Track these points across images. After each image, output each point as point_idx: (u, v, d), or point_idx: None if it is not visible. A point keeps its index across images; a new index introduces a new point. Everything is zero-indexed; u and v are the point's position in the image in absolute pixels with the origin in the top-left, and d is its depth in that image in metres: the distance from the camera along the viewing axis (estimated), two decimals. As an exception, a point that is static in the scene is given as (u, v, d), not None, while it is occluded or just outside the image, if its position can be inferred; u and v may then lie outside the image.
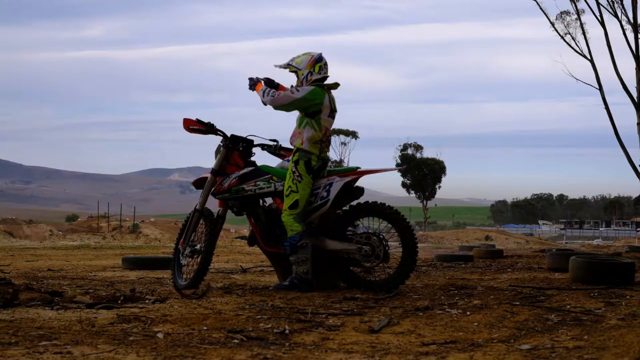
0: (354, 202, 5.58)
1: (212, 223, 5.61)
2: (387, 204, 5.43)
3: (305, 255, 5.21)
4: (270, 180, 5.47)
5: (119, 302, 4.47)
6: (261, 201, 5.69)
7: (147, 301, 4.59)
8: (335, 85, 5.49)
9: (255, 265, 9.39)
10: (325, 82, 5.42)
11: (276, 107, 5.30)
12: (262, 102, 5.32)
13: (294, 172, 5.27)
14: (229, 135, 5.66)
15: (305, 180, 5.26)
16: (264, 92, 5.32)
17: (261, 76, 5.57)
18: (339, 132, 66.64)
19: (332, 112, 5.41)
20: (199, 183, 5.83)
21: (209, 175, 5.75)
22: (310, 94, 5.25)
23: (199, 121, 5.60)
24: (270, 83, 5.57)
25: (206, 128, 5.60)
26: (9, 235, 28.16)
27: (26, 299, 4.34)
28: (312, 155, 5.28)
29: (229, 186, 5.54)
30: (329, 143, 5.49)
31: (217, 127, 5.64)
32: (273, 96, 5.26)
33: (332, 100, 5.41)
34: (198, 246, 5.60)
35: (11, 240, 24.83)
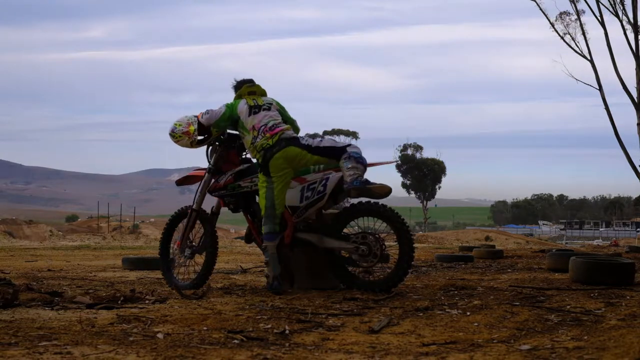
0: (352, 200, 5.58)
1: (210, 222, 5.65)
2: (382, 204, 5.39)
3: (266, 259, 5.29)
4: None
5: (119, 302, 4.47)
6: (257, 198, 5.71)
7: (147, 301, 4.60)
8: (252, 89, 5.53)
9: (255, 265, 9.39)
10: (239, 92, 5.56)
11: (211, 126, 5.52)
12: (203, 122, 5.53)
13: None
14: (226, 133, 5.72)
15: (259, 182, 5.31)
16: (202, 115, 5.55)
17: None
18: (339, 132, 66.67)
19: (255, 108, 5.41)
20: (181, 181, 5.99)
21: (195, 173, 5.83)
22: (226, 107, 5.47)
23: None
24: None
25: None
26: (9, 235, 28.14)
27: (26, 300, 4.34)
28: (255, 156, 5.37)
29: (225, 183, 5.57)
30: (267, 131, 5.33)
31: None
32: (208, 113, 5.51)
33: (249, 101, 5.44)
34: (196, 247, 5.64)
35: (11, 240, 24.82)
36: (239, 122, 5.41)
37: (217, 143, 5.69)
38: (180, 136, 5.56)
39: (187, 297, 4.81)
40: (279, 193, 5.21)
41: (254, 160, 5.52)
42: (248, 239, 5.85)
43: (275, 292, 5.14)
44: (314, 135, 5.96)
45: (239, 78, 5.70)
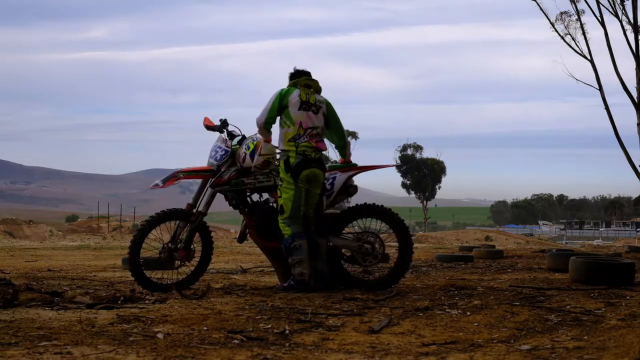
0: (351, 203, 5.73)
1: (200, 224, 5.62)
2: (382, 205, 5.58)
3: (300, 257, 5.24)
4: (270, 175, 5.55)
5: (119, 302, 4.47)
6: (258, 196, 5.73)
7: (147, 301, 4.60)
8: (310, 82, 5.51)
9: (255, 265, 9.39)
10: (296, 80, 5.51)
11: (266, 122, 5.38)
12: (259, 126, 5.43)
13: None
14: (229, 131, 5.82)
15: (285, 183, 5.31)
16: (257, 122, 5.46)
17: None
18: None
19: (306, 105, 5.39)
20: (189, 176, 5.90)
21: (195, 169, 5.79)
22: (276, 96, 5.39)
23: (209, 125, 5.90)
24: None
25: (219, 126, 5.85)
26: (9, 235, 28.13)
27: (26, 300, 4.34)
28: (289, 152, 5.32)
29: (228, 179, 5.59)
30: (313, 137, 5.36)
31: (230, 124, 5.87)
32: (259, 114, 5.41)
33: (303, 94, 5.40)
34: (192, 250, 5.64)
35: (11, 240, 24.81)
36: (286, 111, 5.36)
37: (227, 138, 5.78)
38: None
39: (187, 297, 4.81)
40: (303, 196, 5.29)
41: (278, 150, 5.46)
42: (241, 238, 5.88)
43: (306, 290, 5.15)
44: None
45: (298, 67, 5.63)
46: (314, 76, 5.58)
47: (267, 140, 5.47)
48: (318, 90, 5.56)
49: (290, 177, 5.27)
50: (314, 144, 5.35)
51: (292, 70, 5.61)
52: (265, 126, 5.41)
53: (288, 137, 5.34)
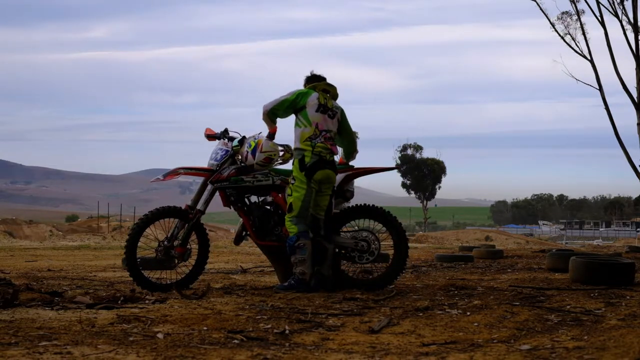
0: (347, 204, 5.78)
1: (197, 222, 5.60)
2: (374, 205, 5.65)
3: (303, 256, 5.25)
4: (269, 175, 5.60)
5: (119, 302, 4.47)
6: (256, 198, 5.74)
7: (147, 301, 4.60)
8: (329, 88, 5.56)
9: (255, 265, 9.39)
10: (315, 83, 5.56)
11: (270, 111, 5.46)
12: (264, 112, 5.51)
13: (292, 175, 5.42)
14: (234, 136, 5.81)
15: (297, 182, 5.32)
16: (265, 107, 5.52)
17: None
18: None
19: (323, 108, 5.44)
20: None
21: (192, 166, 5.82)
22: (292, 94, 5.44)
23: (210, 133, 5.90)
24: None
25: (220, 134, 5.85)
26: (9, 235, 28.14)
27: (26, 299, 4.34)
28: (305, 151, 5.35)
29: (228, 176, 5.62)
30: (328, 139, 5.44)
31: (230, 130, 5.85)
32: (268, 102, 5.48)
33: (321, 98, 5.46)
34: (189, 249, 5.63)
35: (11, 240, 24.81)
36: (303, 111, 5.41)
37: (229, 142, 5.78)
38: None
39: (187, 297, 4.81)
40: (313, 197, 5.33)
41: (280, 148, 5.59)
42: (238, 240, 5.89)
43: (306, 290, 5.16)
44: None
45: (315, 72, 5.69)
46: (328, 78, 5.68)
47: (272, 130, 5.55)
48: (335, 96, 5.64)
49: (304, 176, 5.31)
50: (329, 146, 5.44)
51: (309, 74, 5.68)
52: (269, 114, 5.49)
53: (305, 137, 5.38)
